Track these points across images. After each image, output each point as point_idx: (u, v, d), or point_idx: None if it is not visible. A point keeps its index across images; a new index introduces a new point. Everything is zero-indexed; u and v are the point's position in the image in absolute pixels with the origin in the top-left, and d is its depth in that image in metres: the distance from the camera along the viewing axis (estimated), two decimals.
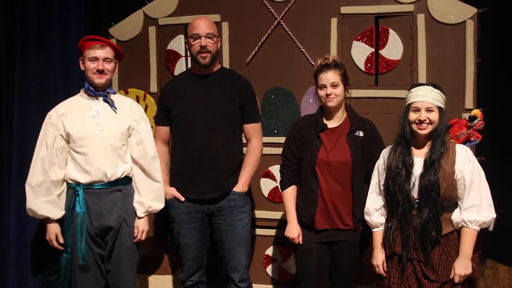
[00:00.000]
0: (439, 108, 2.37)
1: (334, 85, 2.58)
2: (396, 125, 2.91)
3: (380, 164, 2.51)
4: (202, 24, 2.75)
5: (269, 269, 3.42)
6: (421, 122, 2.36)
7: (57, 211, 2.64)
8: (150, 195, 2.73)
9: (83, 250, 2.60)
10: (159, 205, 2.76)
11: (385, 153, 2.52)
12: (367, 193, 2.60)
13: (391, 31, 3.13)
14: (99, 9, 3.72)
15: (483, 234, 2.41)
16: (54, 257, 2.75)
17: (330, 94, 2.58)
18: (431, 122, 2.36)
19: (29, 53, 3.35)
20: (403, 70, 3.14)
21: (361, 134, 2.63)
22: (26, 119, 3.29)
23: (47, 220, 2.65)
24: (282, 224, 2.74)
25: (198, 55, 2.73)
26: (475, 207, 2.30)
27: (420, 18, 3.08)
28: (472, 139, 2.85)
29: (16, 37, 3.32)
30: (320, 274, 2.67)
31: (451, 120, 2.88)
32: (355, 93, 3.11)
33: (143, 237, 2.74)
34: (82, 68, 2.69)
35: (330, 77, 2.58)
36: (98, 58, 2.63)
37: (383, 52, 3.16)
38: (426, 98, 2.37)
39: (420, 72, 3.10)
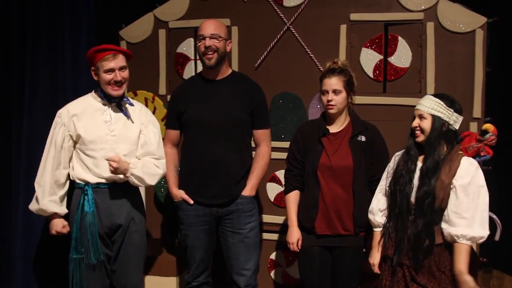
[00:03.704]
0: (434, 116, 2.35)
1: (335, 92, 2.58)
2: (403, 133, 2.92)
3: (391, 166, 2.52)
4: (208, 25, 2.75)
5: (273, 274, 3.42)
6: (414, 128, 2.40)
7: (63, 209, 2.69)
8: (143, 167, 2.65)
9: (96, 249, 2.61)
10: (140, 172, 2.62)
11: (397, 156, 2.52)
12: (369, 198, 2.60)
13: (400, 38, 3.13)
14: (110, 11, 3.75)
15: (489, 244, 2.39)
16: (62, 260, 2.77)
17: (331, 101, 2.58)
18: (422, 130, 2.37)
19: (40, 53, 3.37)
20: (411, 77, 3.14)
21: (363, 138, 2.63)
22: (35, 118, 3.32)
23: (52, 217, 2.68)
24: (287, 229, 2.74)
25: (204, 56, 2.74)
26: (465, 220, 2.26)
27: (430, 26, 3.08)
28: (482, 154, 2.75)
29: (28, 37, 3.35)
30: (323, 278, 2.66)
31: (464, 133, 2.85)
32: (363, 100, 3.12)
33: (113, 164, 2.54)
34: (96, 79, 2.65)
35: (332, 83, 2.58)
36: (114, 69, 2.60)
37: (392, 60, 3.16)
38: (419, 106, 2.40)
39: (428, 80, 3.10)
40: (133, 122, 2.71)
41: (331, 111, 2.60)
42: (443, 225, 2.33)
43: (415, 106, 3.06)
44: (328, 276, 2.67)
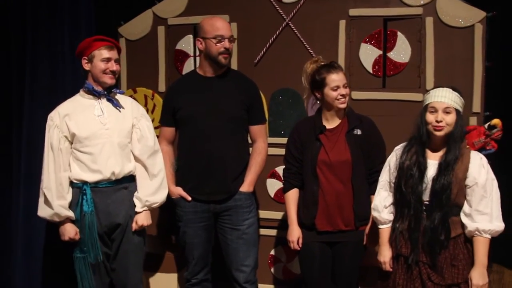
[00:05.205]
0: (457, 110, 2.31)
1: (345, 86, 2.60)
2: (402, 128, 2.92)
3: (392, 161, 2.46)
4: (226, 26, 2.77)
5: (274, 269, 3.43)
6: (437, 122, 2.30)
7: (71, 213, 2.67)
8: (148, 190, 2.73)
9: (96, 248, 2.62)
10: (157, 199, 2.74)
11: (397, 150, 2.47)
12: (368, 192, 2.60)
13: (399, 33, 3.13)
14: (109, 9, 3.75)
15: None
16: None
17: (344, 94, 2.59)
18: (447, 124, 2.30)
19: (39, 52, 3.37)
20: (411, 72, 3.13)
21: (359, 132, 2.64)
22: (35, 121, 3.31)
23: (64, 222, 2.65)
24: (287, 224, 2.75)
25: (221, 55, 2.74)
26: (486, 216, 2.27)
27: (429, 21, 3.08)
28: (487, 148, 2.79)
29: (27, 39, 3.35)
30: (323, 273, 2.67)
31: (469, 126, 2.86)
32: (363, 95, 3.13)
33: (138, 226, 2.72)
34: (87, 68, 2.68)
35: (341, 78, 2.60)
36: (111, 59, 2.66)
37: (391, 55, 3.16)
38: (444, 99, 2.31)
39: (428, 75, 3.10)
40: (119, 111, 2.71)
41: (344, 105, 2.61)
42: (465, 220, 2.31)
43: (414, 101, 3.10)
44: (328, 271, 2.68)
